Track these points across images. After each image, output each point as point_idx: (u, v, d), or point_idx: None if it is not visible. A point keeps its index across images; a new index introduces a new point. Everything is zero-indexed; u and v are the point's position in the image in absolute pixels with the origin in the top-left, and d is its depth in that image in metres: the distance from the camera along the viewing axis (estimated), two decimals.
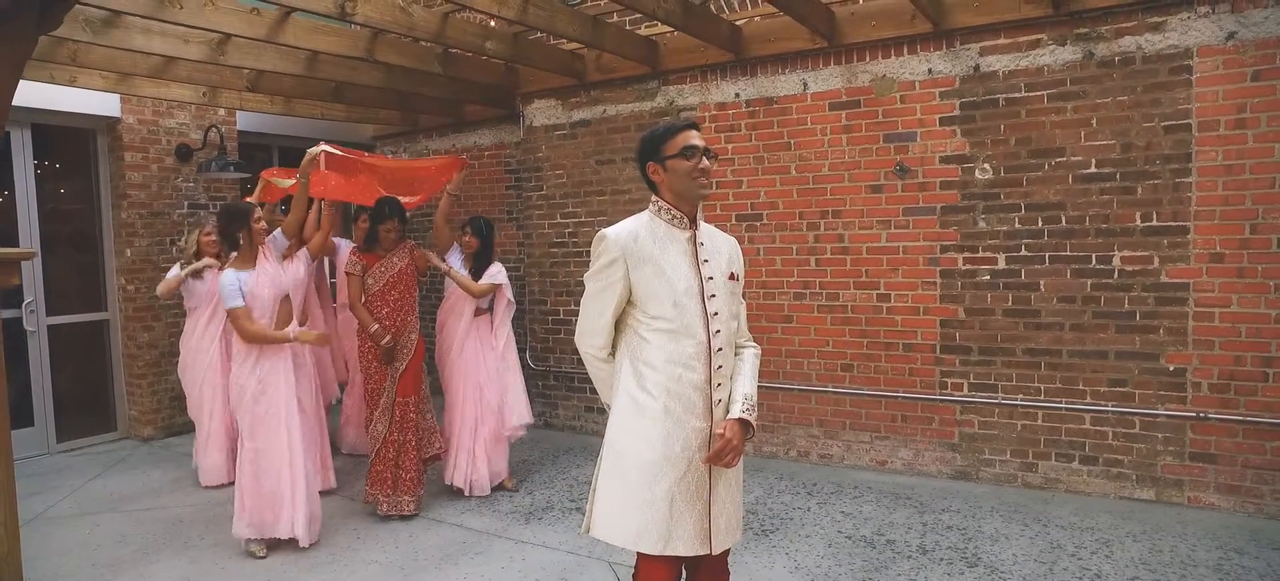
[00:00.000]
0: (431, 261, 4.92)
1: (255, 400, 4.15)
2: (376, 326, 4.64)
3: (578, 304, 2.92)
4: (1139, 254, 4.59)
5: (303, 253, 4.64)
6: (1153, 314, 4.59)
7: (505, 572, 3.99)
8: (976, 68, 4.94)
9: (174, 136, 6.79)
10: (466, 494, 5.02)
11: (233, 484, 5.17)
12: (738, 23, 5.61)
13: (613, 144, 6.35)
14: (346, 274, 4.82)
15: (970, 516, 4.55)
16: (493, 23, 5.74)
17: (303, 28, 4.90)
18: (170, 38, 4.90)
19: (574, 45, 6.10)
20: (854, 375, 5.50)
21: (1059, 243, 4.79)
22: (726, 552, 2.57)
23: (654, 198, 2.51)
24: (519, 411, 5.13)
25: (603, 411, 2.69)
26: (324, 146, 4.51)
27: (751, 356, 2.59)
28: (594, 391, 3.58)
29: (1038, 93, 4.78)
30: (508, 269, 5.17)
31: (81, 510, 5.03)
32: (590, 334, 2.54)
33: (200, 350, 5.40)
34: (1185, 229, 4.47)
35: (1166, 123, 4.47)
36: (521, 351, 5.69)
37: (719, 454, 2.39)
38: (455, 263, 5.00)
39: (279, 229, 4.41)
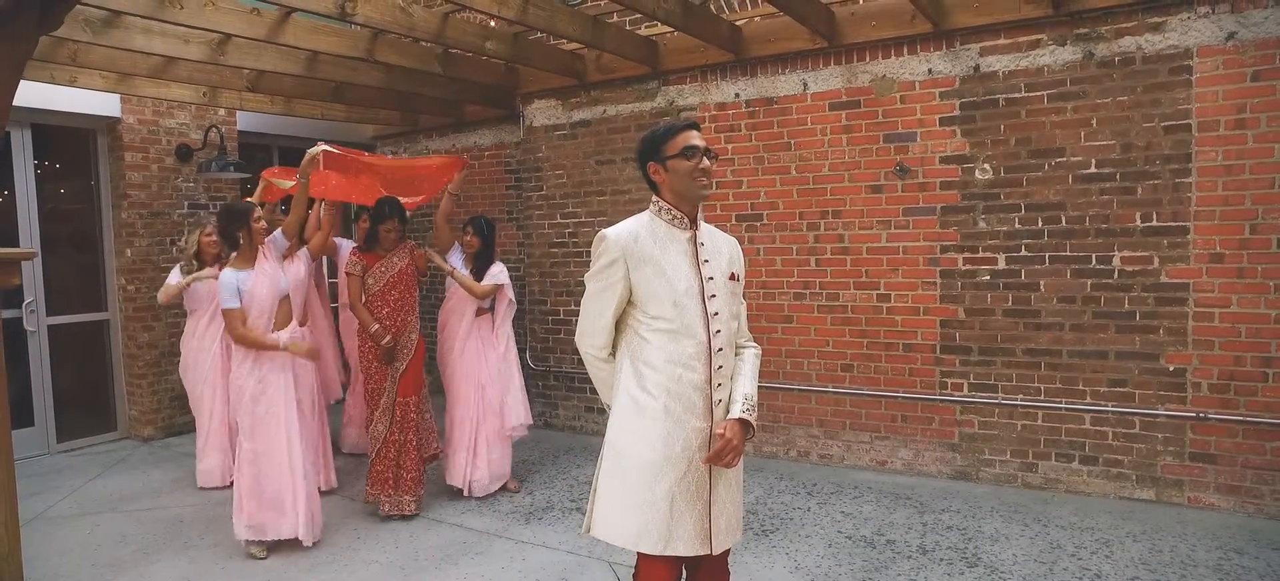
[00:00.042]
0: (435, 262, 4.92)
1: (254, 401, 4.15)
2: (377, 326, 4.64)
3: (578, 304, 2.93)
4: (1139, 254, 4.59)
5: (303, 252, 4.65)
6: (1153, 314, 4.59)
7: (505, 572, 3.99)
8: (976, 68, 4.94)
9: (174, 136, 6.79)
10: (466, 494, 5.02)
11: (228, 486, 5.21)
12: (738, 23, 5.61)
13: (613, 144, 6.35)
14: (346, 274, 4.82)
15: (970, 516, 4.55)
16: (493, 23, 5.74)
17: (303, 28, 4.90)
18: (170, 38, 4.91)
19: (574, 45, 6.10)
20: (854, 375, 5.50)
21: (1059, 243, 4.79)
22: (727, 552, 2.57)
23: (654, 198, 2.51)
24: (518, 412, 5.13)
25: (603, 411, 2.70)
26: (323, 146, 4.51)
27: (752, 356, 2.59)
28: (594, 391, 3.58)
29: (1038, 93, 4.78)
30: (508, 269, 5.17)
31: (82, 510, 5.03)
32: (590, 334, 2.54)
33: (201, 351, 5.40)
34: (1185, 229, 4.47)
35: (1166, 123, 4.47)
36: (521, 351, 5.69)
37: (719, 454, 2.39)
38: (457, 262, 5.00)
39: (279, 229, 4.41)
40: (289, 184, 5.06)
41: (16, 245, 6.01)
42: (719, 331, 2.44)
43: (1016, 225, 4.90)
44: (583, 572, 3.96)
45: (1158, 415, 4.61)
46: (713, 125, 5.83)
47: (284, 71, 5.57)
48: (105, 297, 6.73)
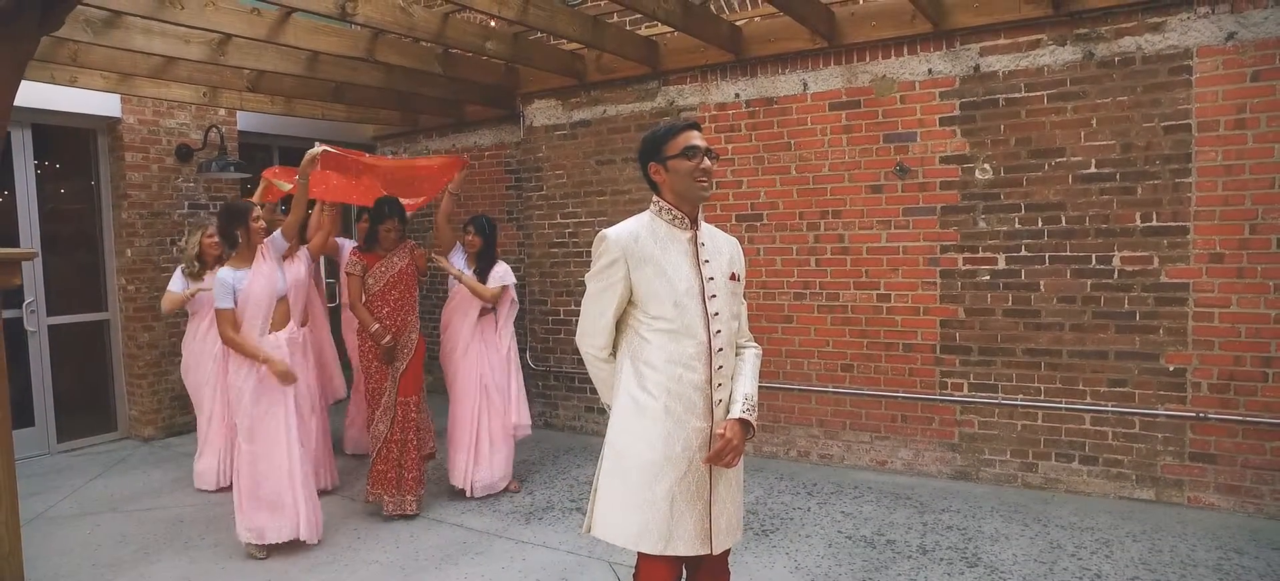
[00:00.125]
0: (441, 266, 4.91)
1: (254, 401, 4.14)
2: (377, 326, 4.64)
3: (578, 304, 2.93)
4: (1139, 254, 4.59)
5: (303, 253, 4.65)
6: (1152, 314, 4.59)
7: (506, 572, 3.99)
8: (976, 68, 4.94)
9: (174, 136, 6.79)
10: (468, 494, 5.02)
11: (221, 490, 5.21)
12: (738, 23, 5.61)
13: (613, 144, 6.35)
14: (346, 274, 4.82)
15: (970, 516, 4.55)
16: (493, 23, 5.74)
17: (303, 28, 4.91)
18: (171, 38, 4.91)
19: (574, 45, 6.11)
20: (854, 375, 5.50)
21: (1059, 243, 4.80)
22: (727, 552, 2.58)
23: (655, 198, 2.51)
24: (519, 413, 5.14)
25: (603, 411, 2.70)
26: (322, 146, 4.51)
27: (752, 356, 2.59)
28: (594, 391, 3.58)
29: (1038, 93, 4.78)
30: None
31: (82, 510, 5.03)
32: (591, 334, 2.55)
33: (203, 353, 5.39)
34: (1185, 229, 4.48)
35: (1166, 123, 4.47)
36: (521, 351, 5.69)
37: (719, 454, 2.40)
38: (459, 262, 5.00)
39: (279, 230, 4.41)
40: (289, 185, 5.06)
41: (17, 245, 6.01)
42: (719, 331, 2.44)
43: (1016, 225, 4.90)
44: (583, 572, 3.96)
45: (1158, 415, 4.61)
46: (713, 125, 5.83)
47: (284, 71, 5.57)
48: (105, 298, 6.73)
